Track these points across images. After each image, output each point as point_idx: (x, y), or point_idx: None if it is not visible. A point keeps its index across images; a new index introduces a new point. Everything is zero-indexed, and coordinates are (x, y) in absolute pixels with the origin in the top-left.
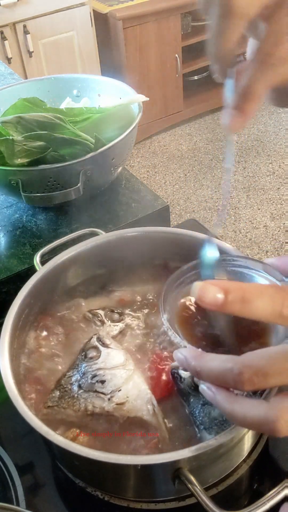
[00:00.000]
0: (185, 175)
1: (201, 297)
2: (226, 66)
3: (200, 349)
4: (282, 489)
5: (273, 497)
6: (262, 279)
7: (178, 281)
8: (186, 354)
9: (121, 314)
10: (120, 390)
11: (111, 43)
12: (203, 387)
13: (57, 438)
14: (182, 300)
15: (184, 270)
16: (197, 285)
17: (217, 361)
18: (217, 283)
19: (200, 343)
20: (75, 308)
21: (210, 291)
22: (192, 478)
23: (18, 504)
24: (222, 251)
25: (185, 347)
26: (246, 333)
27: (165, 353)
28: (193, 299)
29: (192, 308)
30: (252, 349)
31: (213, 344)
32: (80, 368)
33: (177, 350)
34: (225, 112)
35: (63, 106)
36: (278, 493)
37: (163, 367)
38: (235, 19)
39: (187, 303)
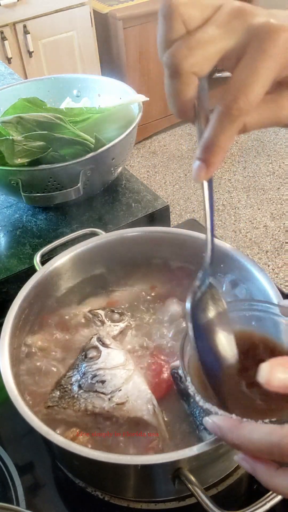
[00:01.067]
0: (185, 175)
1: (270, 382)
2: (191, 121)
3: (234, 416)
4: None
5: (273, 497)
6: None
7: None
8: (221, 424)
9: (121, 314)
10: (120, 390)
11: (111, 43)
12: (209, 423)
13: (57, 438)
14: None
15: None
16: (264, 368)
17: (258, 434)
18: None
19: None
20: (75, 308)
21: (279, 373)
22: (192, 478)
23: (18, 504)
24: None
25: (217, 413)
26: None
27: (165, 353)
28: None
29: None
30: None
31: (246, 406)
32: (80, 368)
33: (209, 418)
34: (194, 161)
35: (63, 106)
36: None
37: (163, 367)
38: (184, 79)
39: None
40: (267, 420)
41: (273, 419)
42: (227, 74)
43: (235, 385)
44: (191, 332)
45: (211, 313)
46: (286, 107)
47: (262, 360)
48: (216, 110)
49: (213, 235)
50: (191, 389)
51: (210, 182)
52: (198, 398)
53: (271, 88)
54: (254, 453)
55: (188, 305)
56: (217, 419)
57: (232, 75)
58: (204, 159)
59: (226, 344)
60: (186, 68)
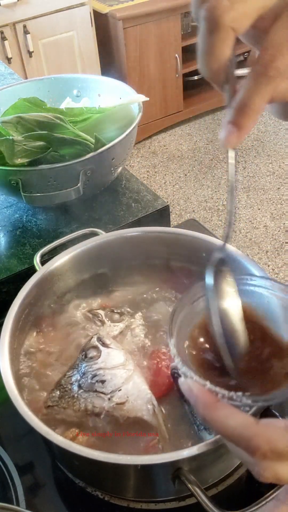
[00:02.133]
0: (185, 175)
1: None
2: (221, 83)
3: (212, 393)
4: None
5: (273, 497)
6: (279, 301)
7: (190, 302)
8: (198, 394)
9: (121, 314)
10: (120, 390)
11: (111, 43)
12: (184, 385)
13: (57, 438)
14: (195, 324)
15: (195, 289)
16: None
17: (233, 422)
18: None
19: (210, 373)
20: (75, 308)
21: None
22: (192, 478)
23: (18, 504)
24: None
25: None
26: (259, 366)
27: (165, 353)
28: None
29: (204, 335)
30: (264, 385)
31: (222, 375)
32: (80, 368)
33: (186, 381)
34: (222, 126)
35: (63, 106)
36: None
37: (163, 367)
38: (223, 34)
39: (198, 330)
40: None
41: (245, 394)
42: (246, 71)
43: (217, 359)
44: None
45: (226, 289)
46: None
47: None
48: (252, 71)
49: (233, 210)
50: (173, 351)
51: (236, 154)
52: (177, 360)
53: None
54: (221, 433)
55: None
56: (196, 388)
57: (268, 35)
58: (236, 122)
59: (237, 326)
60: (226, 22)
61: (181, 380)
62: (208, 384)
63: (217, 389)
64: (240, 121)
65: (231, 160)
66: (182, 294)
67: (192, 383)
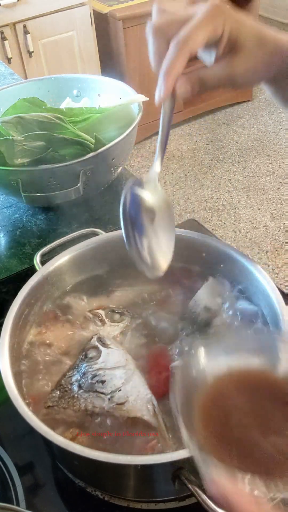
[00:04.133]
0: (185, 175)
1: None
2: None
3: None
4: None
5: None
6: None
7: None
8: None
9: (121, 314)
10: (120, 390)
11: (111, 43)
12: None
13: (57, 438)
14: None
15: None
16: None
17: None
18: None
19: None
20: (76, 308)
21: None
22: (192, 478)
23: (18, 504)
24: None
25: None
26: None
27: (165, 353)
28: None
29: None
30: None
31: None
32: (80, 368)
33: (213, 481)
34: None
35: (63, 106)
36: None
37: (163, 367)
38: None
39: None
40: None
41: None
42: None
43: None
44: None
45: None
46: (238, 67)
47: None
48: (171, 44)
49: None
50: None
51: (171, 109)
52: (193, 449)
53: (226, 50)
54: None
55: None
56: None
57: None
58: (162, 82)
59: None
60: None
61: (209, 479)
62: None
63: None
64: (166, 81)
65: (163, 112)
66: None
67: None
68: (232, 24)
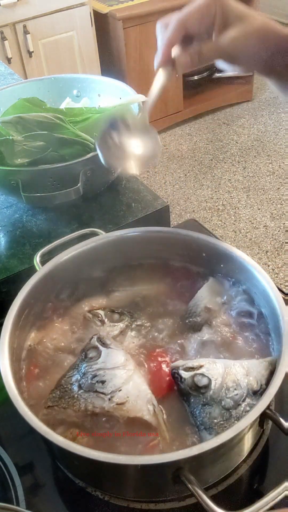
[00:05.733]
0: (185, 175)
1: None
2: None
3: None
4: (282, 490)
5: (273, 498)
6: None
7: None
8: None
9: (121, 314)
10: (120, 390)
11: (111, 43)
12: None
13: (57, 438)
14: None
15: None
16: None
17: None
18: None
19: None
20: (75, 308)
21: None
22: (192, 478)
23: (18, 504)
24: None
25: None
26: None
27: (165, 353)
28: None
29: None
30: None
31: None
32: (80, 368)
33: None
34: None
35: (63, 106)
36: (278, 493)
37: (163, 367)
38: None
39: None
40: None
41: None
42: (228, 74)
43: None
44: None
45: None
46: (226, 39)
47: None
48: (170, 23)
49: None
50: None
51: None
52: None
53: (221, 28)
54: None
55: None
56: None
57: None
58: (160, 50)
59: None
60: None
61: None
62: None
63: None
64: (161, 51)
65: (158, 76)
66: None
67: None
68: (222, 7)
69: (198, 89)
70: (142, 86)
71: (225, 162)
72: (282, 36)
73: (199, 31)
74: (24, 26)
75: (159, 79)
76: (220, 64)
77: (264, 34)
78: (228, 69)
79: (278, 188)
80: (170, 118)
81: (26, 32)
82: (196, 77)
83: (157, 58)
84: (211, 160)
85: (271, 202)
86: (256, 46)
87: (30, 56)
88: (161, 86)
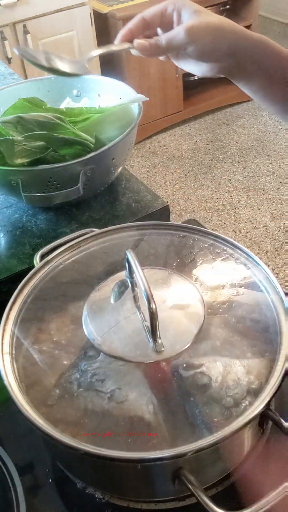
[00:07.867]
0: (185, 175)
1: None
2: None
3: None
4: (282, 490)
5: (273, 498)
6: None
7: None
8: None
9: None
10: (120, 388)
11: (111, 43)
12: None
13: (57, 438)
14: None
15: None
16: None
17: None
18: None
19: None
20: (75, 308)
21: None
22: (192, 478)
23: (18, 504)
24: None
25: None
26: None
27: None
28: None
29: None
30: None
31: None
32: (80, 367)
33: None
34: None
35: (63, 106)
36: (278, 493)
37: (163, 366)
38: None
39: None
40: None
41: None
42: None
43: None
44: None
45: None
46: (181, 30)
47: None
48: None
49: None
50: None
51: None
52: None
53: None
54: None
55: None
56: None
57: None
58: (119, 33)
59: None
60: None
61: None
62: None
63: None
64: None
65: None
66: None
67: None
68: (179, 4)
69: (198, 89)
70: (142, 86)
71: (225, 162)
72: (238, 33)
73: (161, 27)
74: (24, 26)
75: (117, 48)
76: (185, 65)
77: (221, 28)
78: (195, 71)
79: (278, 188)
80: (170, 118)
81: (26, 32)
82: (196, 77)
83: (115, 41)
84: (211, 160)
85: (271, 202)
86: (212, 35)
87: None
88: (113, 49)
